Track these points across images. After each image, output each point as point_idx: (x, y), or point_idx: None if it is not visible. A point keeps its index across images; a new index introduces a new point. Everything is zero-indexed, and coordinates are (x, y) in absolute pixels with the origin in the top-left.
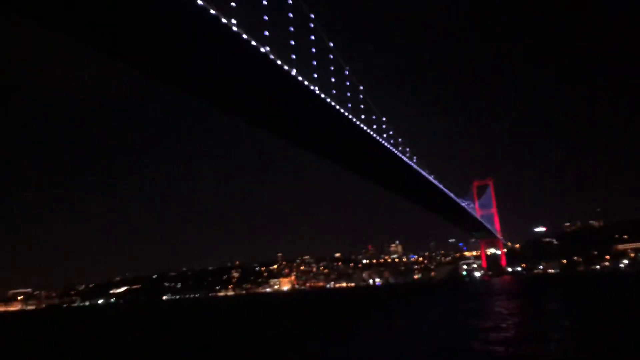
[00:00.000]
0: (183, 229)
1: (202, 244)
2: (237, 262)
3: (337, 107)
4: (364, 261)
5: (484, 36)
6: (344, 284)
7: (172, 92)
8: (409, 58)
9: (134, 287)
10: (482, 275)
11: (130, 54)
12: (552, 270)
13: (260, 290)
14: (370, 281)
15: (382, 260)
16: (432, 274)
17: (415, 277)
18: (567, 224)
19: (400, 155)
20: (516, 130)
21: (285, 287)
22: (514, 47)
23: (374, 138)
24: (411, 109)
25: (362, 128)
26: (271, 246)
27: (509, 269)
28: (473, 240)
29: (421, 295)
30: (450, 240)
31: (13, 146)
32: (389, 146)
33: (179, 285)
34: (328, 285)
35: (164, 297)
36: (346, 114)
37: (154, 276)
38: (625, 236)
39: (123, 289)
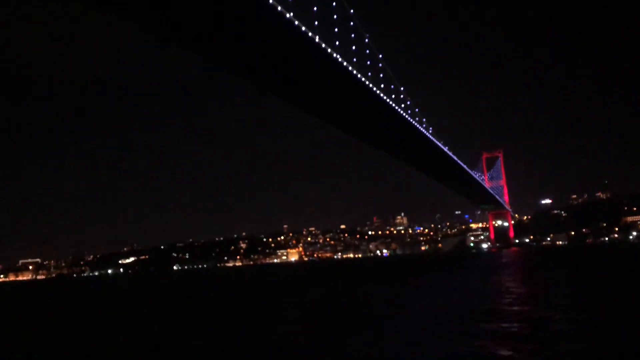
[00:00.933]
0: (190, 201)
1: (209, 216)
2: (244, 233)
3: (359, 75)
4: (370, 233)
5: (495, 10)
6: (351, 255)
7: (180, 59)
8: (417, 30)
9: (142, 257)
10: (489, 247)
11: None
12: (560, 242)
13: (268, 260)
14: (378, 252)
15: (387, 232)
16: (439, 245)
17: (423, 248)
18: (574, 196)
19: (418, 125)
20: (526, 102)
21: (293, 258)
22: (527, 21)
23: (393, 108)
24: (421, 80)
25: (382, 97)
26: (277, 218)
27: (517, 241)
28: (479, 212)
29: (434, 266)
30: (456, 212)
31: (29, 117)
32: (407, 117)
33: (187, 256)
34: (336, 256)
35: (174, 268)
36: (367, 82)
37: (162, 247)
38: (635, 208)
39: (131, 259)
